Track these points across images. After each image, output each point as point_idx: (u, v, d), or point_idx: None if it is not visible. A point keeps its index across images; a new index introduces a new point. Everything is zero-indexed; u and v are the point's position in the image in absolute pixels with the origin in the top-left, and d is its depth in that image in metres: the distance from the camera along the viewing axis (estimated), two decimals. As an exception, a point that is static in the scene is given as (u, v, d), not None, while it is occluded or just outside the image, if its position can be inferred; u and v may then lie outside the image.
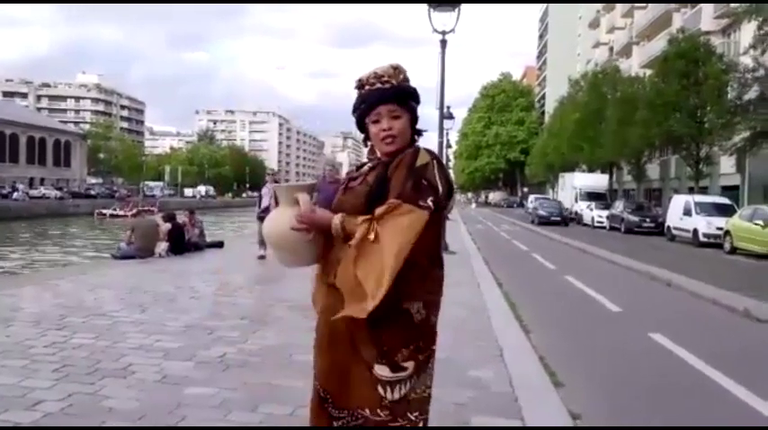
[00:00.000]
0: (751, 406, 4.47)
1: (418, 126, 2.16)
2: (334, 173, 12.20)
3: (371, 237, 1.87)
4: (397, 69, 2.10)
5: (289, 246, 2.11)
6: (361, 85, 2.12)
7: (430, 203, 1.91)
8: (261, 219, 11.12)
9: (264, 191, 11.94)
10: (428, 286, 2.04)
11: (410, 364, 1.99)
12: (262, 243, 11.05)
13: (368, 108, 2.08)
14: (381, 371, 1.97)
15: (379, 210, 1.90)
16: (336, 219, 1.99)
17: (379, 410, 1.98)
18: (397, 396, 1.98)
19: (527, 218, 38.48)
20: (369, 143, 2.17)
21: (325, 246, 2.10)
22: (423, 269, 2.00)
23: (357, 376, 2.00)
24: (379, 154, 2.14)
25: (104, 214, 47.94)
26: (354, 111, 2.16)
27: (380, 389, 1.97)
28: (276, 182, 11.71)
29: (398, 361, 1.97)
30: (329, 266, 2.07)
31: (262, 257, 11.13)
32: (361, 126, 2.16)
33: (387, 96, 2.06)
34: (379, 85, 2.07)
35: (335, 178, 11.76)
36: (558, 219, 34.38)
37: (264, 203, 11.59)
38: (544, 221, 33.82)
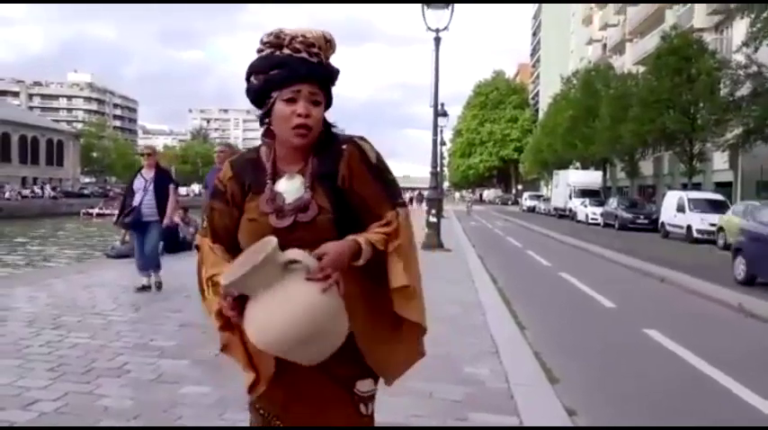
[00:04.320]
0: (746, 401, 4.50)
1: (328, 115, 1.74)
2: (229, 153, 7.87)
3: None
4: (329, 42, 1.68)
5: (329, 326, 1.52)
6: (278, 43, 1.63)
7: (403, 198, 1.77)
8: (127, 226, 8.03)
9: (139, 183, 7.53)
10: None
11: None
12: (144, 268, 7.54)
13: (285, 81, 1.61)
14: (363, 386, 1.72)
15: (386, 232, 1.66)
16: (364, 244, 1.61)
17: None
18: (371, 409, 1.76)
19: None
20: (267, 122, 1.69)
21: None
22: None
23: (331, 400, 1.70)
24: (283, 143, 1.69)
25: (91, 213, 46.48)
26: (258, 73, 1.65)
27: (362, 407, 1.73)
28: (156, 160, 7.83)
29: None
30: None
31: (144, 289, 7.40)
32: (262, 98, 1.66)
33: (313, 74, 1.63)
34: (305, 55, 1.62)
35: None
36: None
37: (136, 200, 7.41)
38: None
